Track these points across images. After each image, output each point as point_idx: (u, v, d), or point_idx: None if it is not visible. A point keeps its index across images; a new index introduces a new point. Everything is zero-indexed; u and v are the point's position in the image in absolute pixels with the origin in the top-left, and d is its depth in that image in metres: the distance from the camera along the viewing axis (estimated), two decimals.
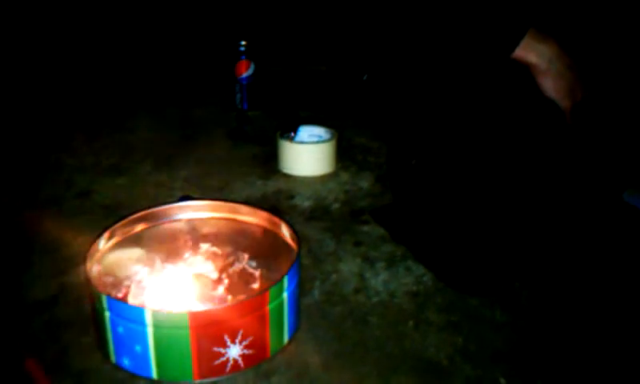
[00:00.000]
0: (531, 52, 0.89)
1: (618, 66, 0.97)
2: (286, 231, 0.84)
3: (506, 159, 0.92)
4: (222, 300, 0.78)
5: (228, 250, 0.86)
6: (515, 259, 0.88)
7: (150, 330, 0.68)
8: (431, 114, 0.97)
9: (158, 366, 0.69)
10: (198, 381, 0.70)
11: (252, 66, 1.65)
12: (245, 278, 0.81)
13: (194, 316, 0.67)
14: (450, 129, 0.94)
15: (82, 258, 0.78)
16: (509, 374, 0.72)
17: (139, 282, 0.82)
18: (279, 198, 1.17)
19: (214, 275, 0.81)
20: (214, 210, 0.90)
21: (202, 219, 0.90)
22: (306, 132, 1.33)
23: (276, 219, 0.86)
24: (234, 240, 0.88)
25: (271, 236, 0.86)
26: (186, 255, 0.87)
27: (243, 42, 1.66)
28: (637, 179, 1.09)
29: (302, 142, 1.30)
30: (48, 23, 2.13)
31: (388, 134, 1.17)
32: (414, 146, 1.01)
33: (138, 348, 0.69)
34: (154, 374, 0.70)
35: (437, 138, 0.97)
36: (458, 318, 0.82)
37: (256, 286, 0.81)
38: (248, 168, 1.31)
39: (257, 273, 0.83)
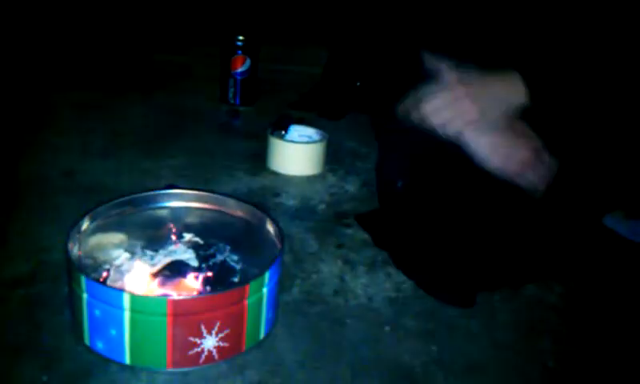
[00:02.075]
0: None
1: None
2: (270, 227, 0.84)
3: (488, 185, 0.93)
4: (201, 290, 0.78)
5: (210, 241, 0.86)
6: (494, 273, 0.89)
7: (127, 315, 0.67)
8: (417, 140, 0.97)
9: (132, 351, 0.69)
10: (170, 369, 0.70)
11: (247, 62, 1.66)
12: (225, 270, 0.81)
13: (173, 303, 0.67)
14: (434, 156, 0.94)
15: (63, 238, 0.77)
16: None
17: (119, 266, 0.81)
18: (265, 194, 1.18)
19: (195, 265, 0.81)
20: (200, 200, 0.89)
21: (186, 208, 0.89)
22: (297, 131, 1.34)
23: (261, 214, 0.86)
24: (218, 232, 0.88)
25: (255, 231, 0.86)
26: (168, 243, 0.87)
27: (240, 37, 1.66)
28: (618, 203, 1.11)
29: (291, 141, 1.30)
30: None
31: (377, 160, 1.18)
32: (401, 169, 1.01)
33: (113, 332, 0.69)
34: (127, 360, 0.69)
35: (422, 163, 0.98)
36: (435, 326, 0.82)
37: (236, 279, 0.82)
38: (236, 162, 1.31)
39: (238, 266, 0.83)
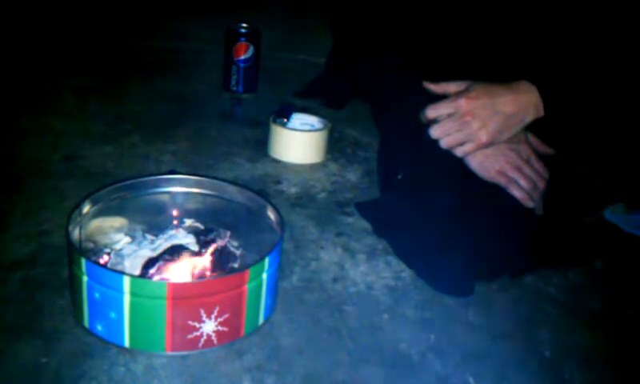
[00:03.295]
0: None
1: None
2: (271, 214, 0.84)
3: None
4: (201, 275, 0.78)
5: (211, 226, 0.86)
6: (492, 262, 0.90)
7: (126, 298, 0.67)
8: (415, 134, 0.98)
9: (131, 334, 0.69)
10: (169, 353, 0.70)
11: (251, 49, 1.65)
12: (225, 255, 0.82)
13: (173, 287, 0.67)
14: (432, 149, 0.95)
15: (64, 221, 0.77)
16: (478, 374, 0.73)
17: (119, 250, 0.82)
18: (266, 181, 1.18)
19: (195, 249, 0.81)
20: (201, 186, 0.90)
21: (187, 194, 0.89)
22: (299, 119, 1.33)
23: (262, 201, 0.86)
24: (218, 217, 0.88)
25: (255, 217, 0.86)
26: (169, 228, 0.87)
27: (244, 25, 1.66)
28: (617, 196, 1.11)
29: (293, 129, 1.29)
30: None
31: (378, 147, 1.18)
32: (401, 161, 1.01)
33: (112, 315, 0.69)
34: (126, 343, 0.70)
35: (421, 155, 0.98)
36: (433, 315, 0.83)
37: (236, 264, 0.82)
38: (237, 150, 1.30)
39: (238, 252, 0.84)
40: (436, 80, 0.96)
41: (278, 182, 1.18)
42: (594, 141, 0.99)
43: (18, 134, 1.27)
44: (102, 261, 0.80)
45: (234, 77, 1.66)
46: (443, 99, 0.94)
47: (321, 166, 1.28)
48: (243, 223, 0.87)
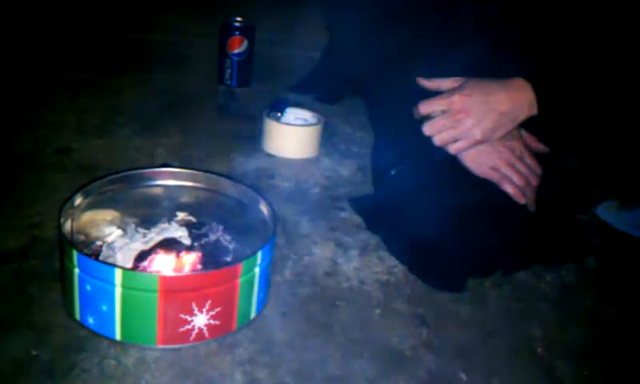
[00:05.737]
0: None
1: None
2: (263, 208, 0.84)
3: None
4: (193, 268, 0.78)
5: (204, 220, 0.86)
6: (485, 258, 0.90)
7: (118, 290, 0.67)
8: (410, 131, 0.98)
9: (123, 327, 0.69)
10: (160, 346, 0.70)
11: (245, 43, 1.65)
12: (218, 249, 0.81)
13: (164, 280, 0.67)
14: (426, 145, 0.95)
15: (56, 214, 0.77)
16: (469, 369, 0.73)
17: (111, 242, 0.81)
18: (259, 176, 1.17)
19: (188, 243, 0.81)
20: (194, 179, 0.89)
21: (180, 187, 0.89)
22: (293, 114, 1.33)
23: (255, 195, 0.86)
24: (211, 211, 0.88)
25: (248, 211, 0.86)
26: (161, 221, 0.87)
27: (238, 19, 1.65)
28: (610, 194, 1.11)
29: (287, 124, 1.29)
30: None
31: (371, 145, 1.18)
32: (394, 157, 1.01)
33: (104, 307, 0.69)
34: (118, 336, 0.70)
35: (416, 152, 0.98)
36: (425, 310, 0.83)
37: (229, 258, 0.82)
38: (231, 144, 1.30)
39: (230, 245, 0.83)
40: (430, 76, 0.96)
41: (272, 177, 1.18)
42: (587, 138, 1.00)
43: (11, 127, 1.26)
44: (93, 253, 0.80)
45: (228, 71, 1.66)
46: (436, 95, 0.94)
47: (314, 160, 1.27)
48: (236, 217, 0.87)
